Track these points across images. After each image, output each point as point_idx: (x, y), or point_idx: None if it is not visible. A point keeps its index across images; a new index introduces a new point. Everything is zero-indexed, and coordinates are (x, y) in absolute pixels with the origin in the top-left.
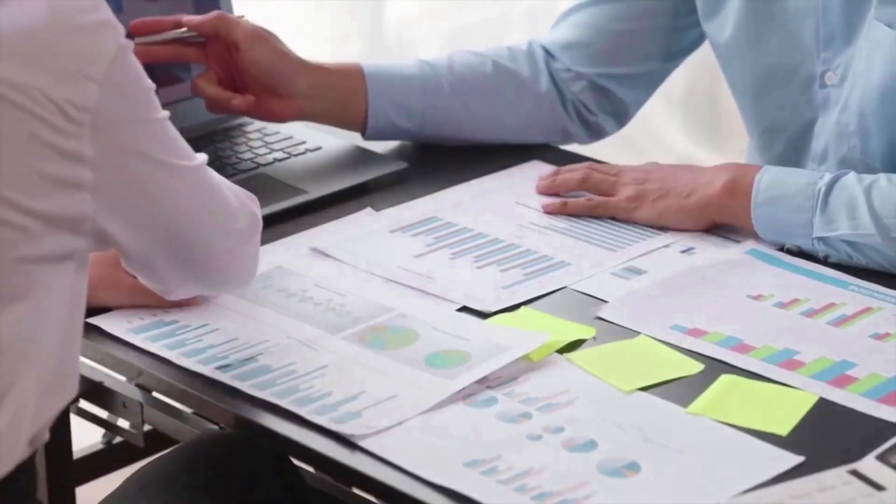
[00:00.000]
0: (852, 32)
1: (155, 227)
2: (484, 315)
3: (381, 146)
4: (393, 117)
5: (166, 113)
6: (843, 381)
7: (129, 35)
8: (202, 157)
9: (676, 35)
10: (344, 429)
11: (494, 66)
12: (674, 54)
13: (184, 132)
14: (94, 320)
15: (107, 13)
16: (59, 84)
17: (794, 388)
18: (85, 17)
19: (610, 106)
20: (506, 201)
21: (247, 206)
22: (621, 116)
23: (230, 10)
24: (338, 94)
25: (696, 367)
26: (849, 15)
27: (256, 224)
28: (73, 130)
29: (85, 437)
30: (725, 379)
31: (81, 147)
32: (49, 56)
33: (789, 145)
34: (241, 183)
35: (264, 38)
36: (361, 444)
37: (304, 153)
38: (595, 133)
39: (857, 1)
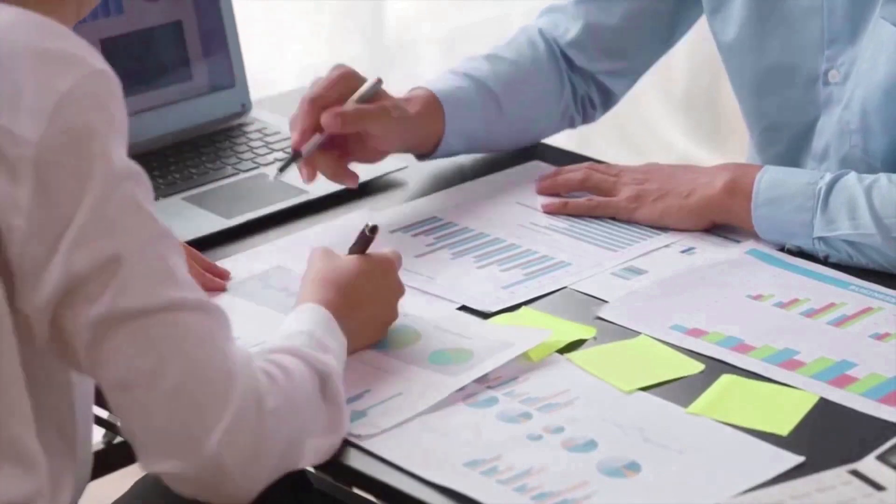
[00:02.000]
0: (857, 31)
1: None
2: (484, 315)
3: None
4: (453, 144)
5: (140, 190)
6: (843, 381)
7: None
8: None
9: (676, 25)
10: (350, 429)
11: (534, 78)
12: (671, 43)
13: (184, 132)
14: None
15: (73, 45)
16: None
17: (794, 388)
18: (47, 43)
19: (605, 98)
20: (506, 201)
21: (252, 380)
22: (610, 105)
23: (231, 11)
24: (422, 137)
25: (697, 367)
26: (854, 13)
27: (259, 407)
28: (10, 168)
29: None
30: (726, 379)
31: (17, 190)
32: None
33: (790, 143)
34: (241, 183)
35: (392, 120)
36: (362, 444)
37: None
38: (584, 122)
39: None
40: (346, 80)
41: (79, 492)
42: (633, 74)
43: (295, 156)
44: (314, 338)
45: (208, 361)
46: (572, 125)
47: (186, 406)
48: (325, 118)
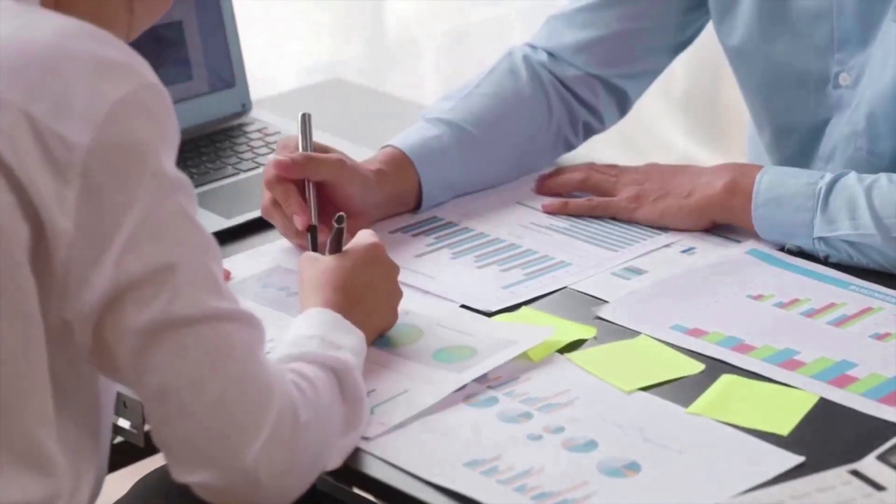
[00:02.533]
0: (868, 34)
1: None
2: (484, 315)
3: (379, 145)
4: (438, 195)
5: (186, 207)
6: (843, 381)
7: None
8: (225, 305)
9: (686, 28)
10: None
11: (516, 111)
12: (682, 45)
13: (184, 132)
14: None
15: (128, 57)
16: (49, 113)
17: (795, 388)
18: (102, 51)
19: (618, 106)
20: (506, 201)
21: (287, 393)
22: (623, 113)
23: (231, 11)
24: (395, 194)
25: (697, 366)
26: (864, 17)
27: (294, 420)
28: (58, 170)
29: None
30: (726, 379)
31: (65, 193)
32: (47, 79)
33: (801, 145)
34: (242, 183)
35: (350, 170)
36: (362, 444)
37: None
38: (591, 135)
39: (873, 3)
40: (286, 144)
41: (97, 492)
42: (645, 76)
43: (312, 231)
44: (325, 340)
45: (250, 374)
46: (569, 149)
47: (227, 418)
48: (278, 164)
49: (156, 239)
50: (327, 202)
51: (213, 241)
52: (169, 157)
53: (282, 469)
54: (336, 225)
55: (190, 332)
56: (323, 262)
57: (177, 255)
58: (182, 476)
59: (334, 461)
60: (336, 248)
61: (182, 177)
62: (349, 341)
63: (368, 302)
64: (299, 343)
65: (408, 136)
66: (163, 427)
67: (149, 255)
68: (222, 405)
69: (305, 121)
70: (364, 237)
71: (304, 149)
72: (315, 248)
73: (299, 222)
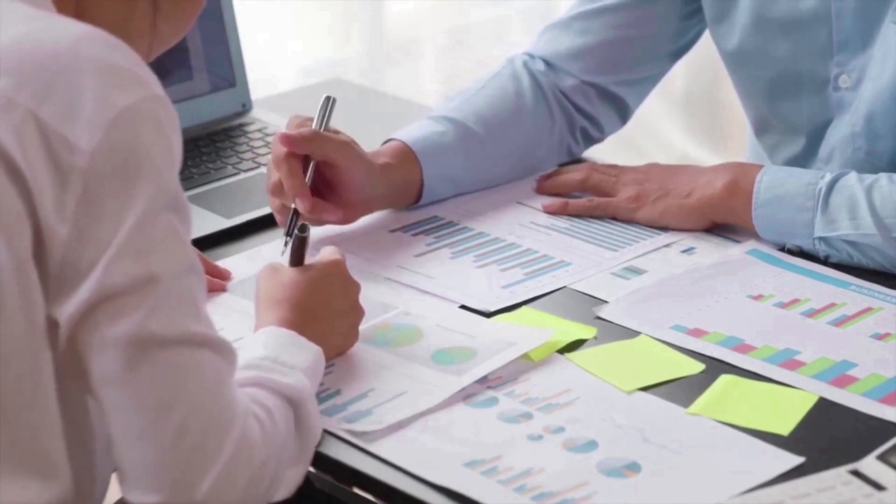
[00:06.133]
0: (868, 36)
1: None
2: (484, 315)
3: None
4: (439, 189)
5: (175, 224)
6: (843, 381)
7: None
8: (207, 335)
9: (683, 35)
10: (355, 427)
11: (519, 115)
12: (680, 52)
13: (184, 132)
14: None
15: (140, 68)
16: (57, 116)
17: (795, 388)
18: (114, 60)
19: (617, 114)
20: (506, 201)
21: (247, 430)
22: (624, 121)
23: (231, 11)
24: (399, 187)
25: (697, 367)
26: (864, 19)
27: (250, 459)
28: (61, 174)
29: None
30: (725, 379)
31: (65, 197)
32: (57, 82)
33: (801, 147)
34: (242, 183)
35: (357, 153)
36: (362, 443)
37: None
38: (591, 143)
39: (873, 5)
40: (299, 122)
41: (102, 495)
42: (643, 84)
43: (294, 212)
44: (278, 361)
45: (214, 404)
46: (571, 154)
47: (185, 446)
48: (284, 136)
49: (144, 251)
50: (328, 186)
51: (200, 266)
52: (171, 172)
53: (229, 502)
54: (298, 234)
55: (162, 354)
56: (282, 275)
57: (162, 270)
58: (133, 496)
59: (281, 493)
60: (298, 259)
61: (181, 197)
62: (302, 359)
63: (326, 319)
64: (253, 365)
65: (412, 130)
66: (121, 443)
67: (135, 265)
68: (184, 431)
69: (328, 103)
70: (328, 253)
71: (317, 128)
72: (290, 231)
73: (301, 205)
